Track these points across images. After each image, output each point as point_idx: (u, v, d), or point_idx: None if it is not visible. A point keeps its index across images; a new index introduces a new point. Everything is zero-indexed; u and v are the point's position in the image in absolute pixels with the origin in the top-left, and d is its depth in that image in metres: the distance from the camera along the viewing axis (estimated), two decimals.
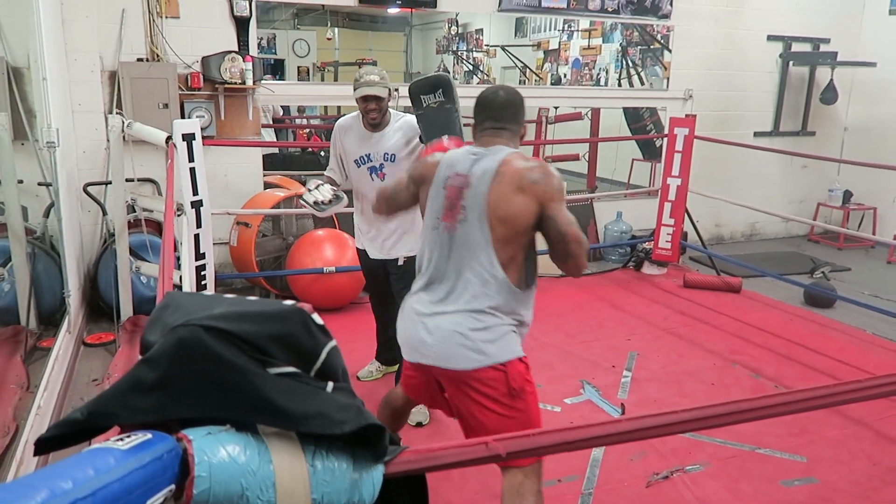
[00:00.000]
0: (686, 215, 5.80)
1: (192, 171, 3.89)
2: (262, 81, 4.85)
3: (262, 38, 11.12)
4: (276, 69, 10.49)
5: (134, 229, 4.46)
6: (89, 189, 4.43)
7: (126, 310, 4.32)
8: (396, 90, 3.13)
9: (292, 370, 0.75)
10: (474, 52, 12.01)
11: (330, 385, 0.77)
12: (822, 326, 4.61)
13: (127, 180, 4.48)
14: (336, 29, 12.49)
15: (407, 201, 2.25)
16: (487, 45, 11.67)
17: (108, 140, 4.24)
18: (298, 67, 10.66)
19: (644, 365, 3.91)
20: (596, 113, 6.88)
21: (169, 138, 3.82)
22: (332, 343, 0.80)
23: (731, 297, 5.18)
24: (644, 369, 3.86)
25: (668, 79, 6.36)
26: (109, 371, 3.66)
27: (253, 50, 4.84)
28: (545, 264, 2.17)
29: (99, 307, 4.39)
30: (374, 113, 3.00)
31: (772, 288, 5.30)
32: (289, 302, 0.81)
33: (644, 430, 1.10)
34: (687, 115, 5.63)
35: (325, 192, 3.03)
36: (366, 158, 3.12)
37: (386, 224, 3.13)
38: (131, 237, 4.32)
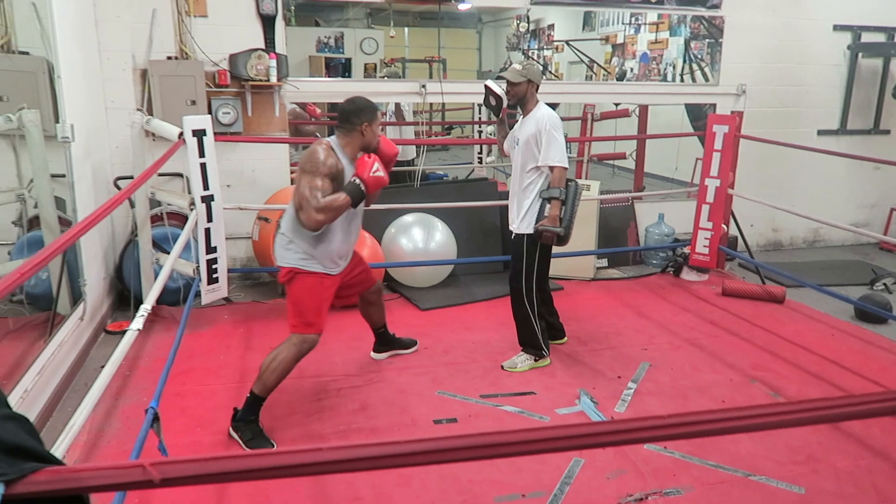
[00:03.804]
0: (732, 219, 5.46)
1: (203, 166, 3.99)
2: (287, 78, 4.90)
3: (329, 38, 11.34)
4: (346, 68, 10.68)
5: (160, 222, 4.63)
6: (119, 183, 4.62)
7: (149, 300, 4.47)
8: (531, 82, 3.56)
9: None
10: (544, 50, 11.82)
11: None
12: (868, 344, 4.21)
13: (158, 174, 4.65)
14: (406, 28, 12.61)
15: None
16: (555, 41, 11.46)
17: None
18: (365, 65, 10.82)
19: (653, 377, 3.69)
20: (644, 110, 6.57)
21: (181, 134, 3.94)
22: None
23: (773, 307, 4.81)
24: (652, 381, 3.64)
25: (716, 73, 5.98)
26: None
27: (280, 47, 4.90)
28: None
29: (126, 296, 4.57)
30: (508, 95, 3.59)
31: (823, 299, 4.89)
32: None
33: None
34: (732, 112, 5.27)
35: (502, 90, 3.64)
36: (513, 137, 3.69)
37: (511, 195, 3.69)
38: (155, 230, 4.48)
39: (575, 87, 7.12)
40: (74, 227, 2.12)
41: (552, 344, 3.97)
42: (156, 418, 2.48)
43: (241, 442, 3.00)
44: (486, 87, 3.65)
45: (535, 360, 3.78)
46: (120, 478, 0.79)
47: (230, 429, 3.04)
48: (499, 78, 3.66)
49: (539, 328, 3.75)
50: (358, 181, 2.88)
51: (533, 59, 11.77)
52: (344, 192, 2.87)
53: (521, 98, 3.59)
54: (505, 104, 3.66)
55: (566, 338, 4.11)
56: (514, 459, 2.83)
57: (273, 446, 2.97)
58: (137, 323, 2.44)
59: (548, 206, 3.50)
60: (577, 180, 3.65)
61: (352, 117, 2.97)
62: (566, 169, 3.51)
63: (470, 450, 1.10)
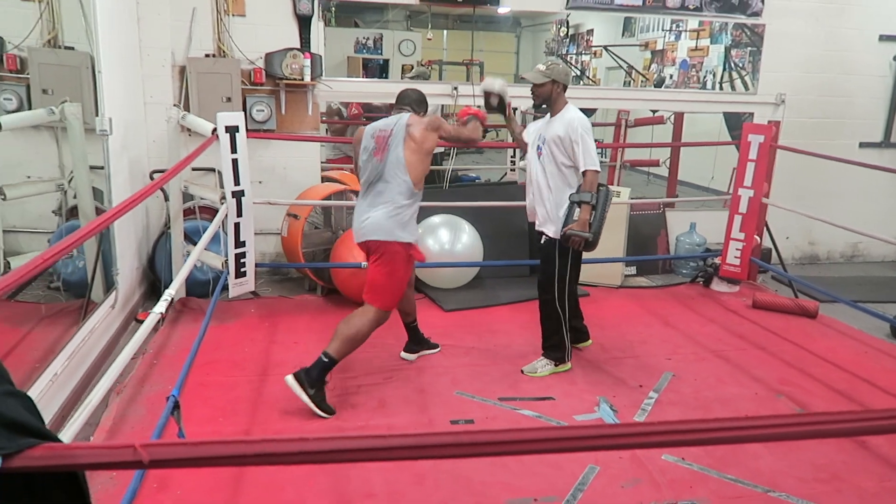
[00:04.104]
0: (766, 230, 5.35)
1: (235, 161, 4.06)
2: (321, 78, 4.96)
3: (368, 39, 11.46)
4: (384, 69, 10.78)
5: (192, 216, 4.73)
6: (155, 176, 4.73)
7: (179, 291, 4.58)
8: (555, 83, 3.52)
9: None
10: (582, 55, 11.74)
11: None
12: None
13: (193, 169, 4.76)
14: (445, 31, 12.66)
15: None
16: (594, 46, 11.37)
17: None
18: (402, 66, 10.91)
19: (676, 388, 3.64)
20: (679, 117, 6.48)
21: (214, 130, 4.02)
22: None
23: (804, 322, 4.70)
24: (674, 392, 3.59)
25: (756, 82, 5.87)
26: (147, 347, 3.89)
27: (315, 47, 4.96)
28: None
29: (158, 287, 4.68)
30: (533, 96, 3.59)
31: (858, 315, 4.75)
32: None
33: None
34: (770, 122, 5.17)
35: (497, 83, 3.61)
36: (536, 137, 3.64)
37: (536, 198, 3.64)
38: (187, 223, 4.58)
39: (611, 92, 7.06)
40: (100, 217, 2.18)
41: (576, 347, 3.96)
42: (176, 406, 2.54)
43: (304, 395, 3.16)
44: (484, 92, 3.57)
45: (556, 366, 3.75)
46: (111, 457, 0.81)
47: (292, 378, 3.18)
48: (523, 79, 3.65)
49: (568, 335, 3.72)
50: (472, 117, 3.51)
51: (569, 63, 11.71)
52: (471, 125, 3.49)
53: (545, 99, 3.54)
54: (507, 101, 3.60)
55: (590, 340, 4.08)
56: (528, 464, 2.82)
57: (334, 412, 3.22)
58: (160, 307, 2.49)
59: (577, 209, 3.45)
60: (609, 186, 3.60)
61: (415, 105, 3.40)
62: (598, 173, 3.46)
63: (478, 446, 1.11)
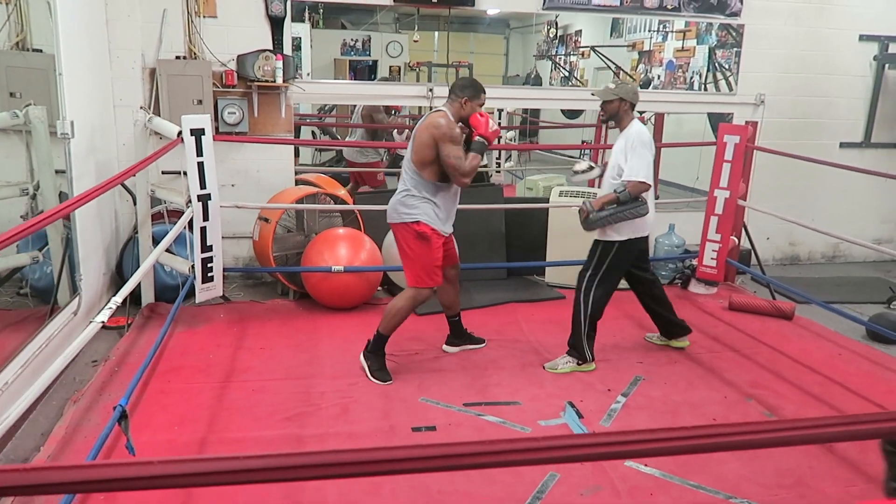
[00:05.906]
0: (745, 232, 5.31)
1: (200, 165, 4.01)
2: (294, 80, 4.91)
3: (356, 41, 11.44)
4: (372, 70, 10.74)
5: (161, 220, 4.67)
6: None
7: (147, 296, 4.53)
8: (623, 100, 3.63)
9: None
10: (570, 56, 11.72)
11: None
12: (877, 365, 4.04)
13: (163, 172, 4.71)
14: (436, 32, 12.63)
15: None
16: (581, 47, 11.36)
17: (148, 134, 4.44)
18: (390, 67, 10.88)
19: (645, 391, 3.59)
20: (660, 118, 6.45)
21: (179, 133, 3.96)
22: None
23: (781, 324, 4.66)
24: (643, 396, 3.54)
25: (735, 82, 5.84)
26: (110, 354, 3.83)
27: (287, 49, 4.91)
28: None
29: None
30: (601, 112, 3.74)
31: (835, 317, 4.70)
32: None
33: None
34: (747, 122, 5.13)
35: (583, 165, 3.95)
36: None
37: None
38: (156, 227, 4.52)
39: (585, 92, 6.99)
40: (50, 210, 2.13)
41: (669, 343, 4.10)
42: (123, 416, 2.49)
43: (367, 370, 3.59)
44: (574, 171, 3.96)
45: (578, 364, 3.79)
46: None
47: (361, 355, 3.64)
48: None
49: (586, 332, 3.77)
50: (481, 139, 3.38)
51: (558, 63, 11.67)
52: (473, 152, 3.38)
53: (613, 115, 3.69)
54: (597, 171, 3.93)
55: (688, 342, 4.12)
56: (488, 471, 2.77)
57: (390, 380, 3.55)
58: (103, 315, 2.44)
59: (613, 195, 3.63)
60: (646, 204, 3.63)
61: (457, 90, 3.43)
62: (645, 184, 3.56)
63: (434, 459, 1.06)
